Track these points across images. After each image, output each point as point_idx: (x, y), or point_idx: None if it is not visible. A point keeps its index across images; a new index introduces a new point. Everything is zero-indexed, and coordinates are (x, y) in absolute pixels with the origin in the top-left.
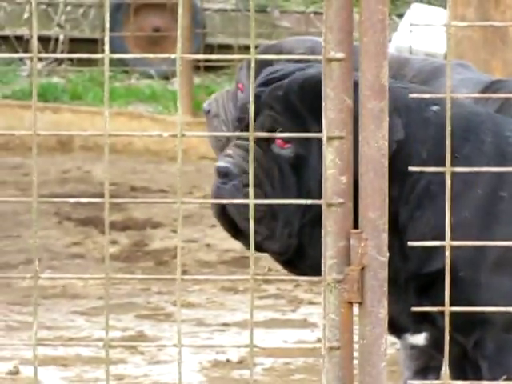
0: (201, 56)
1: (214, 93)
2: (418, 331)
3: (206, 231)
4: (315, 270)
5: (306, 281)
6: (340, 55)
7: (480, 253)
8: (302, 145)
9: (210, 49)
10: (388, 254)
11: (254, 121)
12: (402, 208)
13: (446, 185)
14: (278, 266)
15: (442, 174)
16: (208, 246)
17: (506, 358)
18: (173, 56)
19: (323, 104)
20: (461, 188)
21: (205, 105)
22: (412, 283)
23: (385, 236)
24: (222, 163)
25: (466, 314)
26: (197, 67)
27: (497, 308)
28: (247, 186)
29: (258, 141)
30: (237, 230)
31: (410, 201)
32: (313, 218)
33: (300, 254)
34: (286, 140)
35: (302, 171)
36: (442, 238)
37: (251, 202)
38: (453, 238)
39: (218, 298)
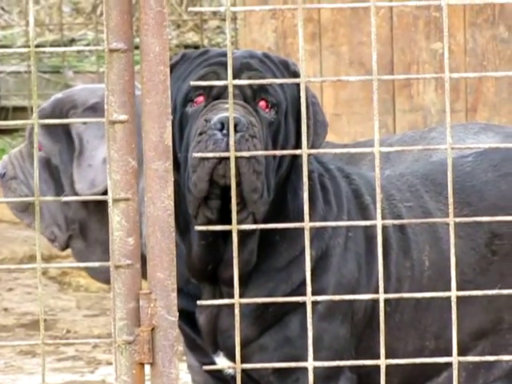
0: None
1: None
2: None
3: (4, 295)
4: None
5: (101, 342)
6: (123, 117)
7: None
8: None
9: (4, 111)
10: (177, 314)
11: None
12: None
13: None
14: (77, 328)
15: None
16: (5, 309)
17: None
18: None
19: (107, 166)
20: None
21: None
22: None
23: (174, 296)
24: (224, 114)
25: (287, 356)
26: None
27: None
28: (254, 137)
29: (247, 100)
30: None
31: None
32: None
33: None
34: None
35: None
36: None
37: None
38: None
39: (15, 362)
